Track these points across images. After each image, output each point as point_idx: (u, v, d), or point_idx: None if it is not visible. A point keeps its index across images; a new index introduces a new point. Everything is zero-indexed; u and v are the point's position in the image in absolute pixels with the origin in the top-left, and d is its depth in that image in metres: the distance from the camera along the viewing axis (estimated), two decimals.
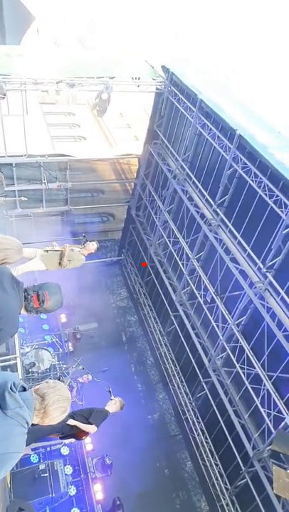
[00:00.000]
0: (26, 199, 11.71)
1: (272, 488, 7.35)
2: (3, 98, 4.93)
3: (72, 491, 8.65)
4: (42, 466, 8.74)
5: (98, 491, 8.78)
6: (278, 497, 7.38)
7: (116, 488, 9.74)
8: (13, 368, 8.20)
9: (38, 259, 5.34)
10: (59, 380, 6.61)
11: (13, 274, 2.90)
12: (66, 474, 8.84)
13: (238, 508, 9.58)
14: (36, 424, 2.15)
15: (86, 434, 5.51)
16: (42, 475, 8.59)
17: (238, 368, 8.62)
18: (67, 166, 12.39)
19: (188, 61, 11.47)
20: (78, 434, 5.44)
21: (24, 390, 2.09)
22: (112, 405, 5.73)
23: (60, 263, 5.44)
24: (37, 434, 5.65)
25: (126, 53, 11.94)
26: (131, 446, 10.73)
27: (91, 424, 5.37)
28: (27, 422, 2.03)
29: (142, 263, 14.88)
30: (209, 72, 10.89)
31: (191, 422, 11.49)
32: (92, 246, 5.81)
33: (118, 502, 8.95)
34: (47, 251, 5.45)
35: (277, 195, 7.28)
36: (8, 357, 8.32)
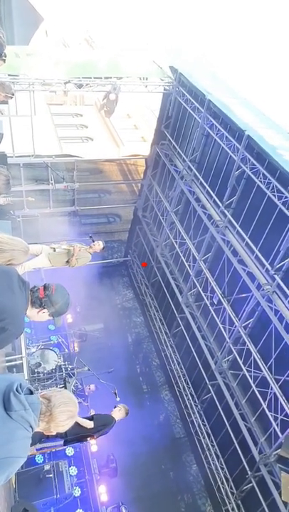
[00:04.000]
0: (34, 199, 11.73)
1: (280, 494, 7.26)
2: (12, 98, 4.93)
3: (77, 492, 8.59)
4: (47, 467, 8.68)
5: (103, 493, 8.74)
6: (285, 503, 7.27)
7: (120, 489, 9.68)
8: (19, 368, 8.19)
9: (44, 256, 5.36)
10: (65, 380, 6.59)
11: (19, 273, 2.88)
12: (71, 475, 8.78)
13: None
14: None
15: (90, 436, 5.47)
16: (47, 476, 8.55)
17: (245, 371, 8.53)
18: (74, 166, 12.43)
19: (180, 52, 11.44)
20: (82, 437, 5.41)
21: (31, 393, 2.04)
22: (117, 412, 5.77)
23: (67, 261, 5.45)
24: (40, 434, 5.65)
25: (133, 53, 11.92)
26: (136, 448, 10.67)
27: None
28: (31, 426, 1.94)
29: (142, 263, 14.85)
30: (205, 62, 10.84)
31: (196, 425, 11.41)
32: (99, 246, 5.85)
33: (122, 506, 8.88)
34: (54, 249, 5.46)
35: (286, 197, 7.19)
36: (14, 357, 8.30)
